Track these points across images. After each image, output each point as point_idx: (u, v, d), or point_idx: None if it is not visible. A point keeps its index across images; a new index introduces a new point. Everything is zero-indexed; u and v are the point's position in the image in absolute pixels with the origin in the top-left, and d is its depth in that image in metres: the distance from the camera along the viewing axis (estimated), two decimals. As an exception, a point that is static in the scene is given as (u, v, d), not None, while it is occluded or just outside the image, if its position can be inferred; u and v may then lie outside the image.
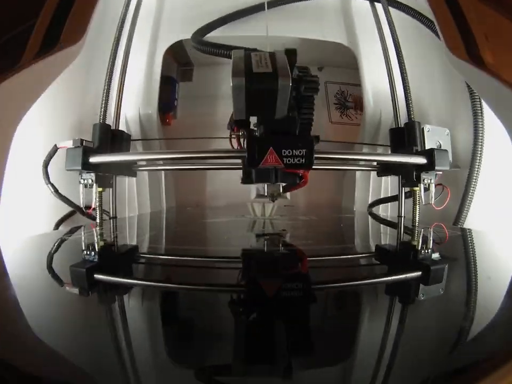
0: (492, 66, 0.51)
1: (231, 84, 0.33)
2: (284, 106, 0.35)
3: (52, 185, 0.51)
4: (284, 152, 0.38)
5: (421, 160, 0.50)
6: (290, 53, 0.36)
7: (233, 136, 0.47)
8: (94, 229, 0.49)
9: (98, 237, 0.43)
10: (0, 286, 0.22)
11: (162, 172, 0.85)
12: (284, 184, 0.44)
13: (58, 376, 0.12)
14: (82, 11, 0.52)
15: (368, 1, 0.79)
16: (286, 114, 0.36)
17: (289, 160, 0.38)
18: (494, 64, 0.51)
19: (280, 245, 0.39)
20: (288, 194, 0.47)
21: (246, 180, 0.42)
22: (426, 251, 0.34)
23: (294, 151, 0.38)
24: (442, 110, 0.69)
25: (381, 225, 0.61)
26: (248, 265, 0.30)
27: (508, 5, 0.52)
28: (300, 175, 0.42)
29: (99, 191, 0.50)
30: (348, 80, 1.04)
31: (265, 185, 0.44)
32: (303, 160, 0.38)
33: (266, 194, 0.45)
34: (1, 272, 0.26)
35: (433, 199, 0.53)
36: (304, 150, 0.38)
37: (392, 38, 0.67)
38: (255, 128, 0.42)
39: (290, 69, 0.35)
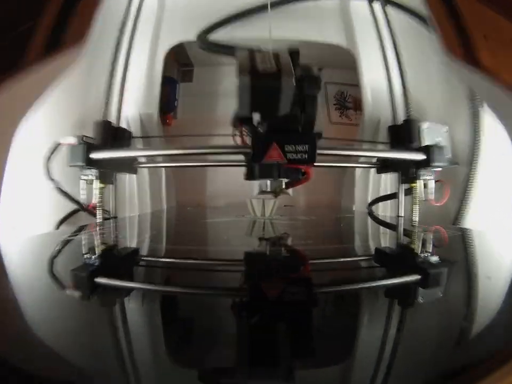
0: (488, 67, 0.51)
1: (237, 83, 0.33)
2: (287, 104, 0.36)
3: (54, 180, 0.52)
4: (287, 148, 0.39)
5: (420, 156, 0.51)
6: (294, 53, 0.37)
7: (236, 133, 0.48)
8: (94, 231, 0.49)
9: (99, 240, 0.43)
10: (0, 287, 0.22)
11: (163, 171, 0.86)
12: (286, 180, 0.45)
13: (58, 376, 0.12)
14: (85, 13, 0.53)
15: (366, 2, 0.80)
16: (289, 112, 0.37)
17: (292, 156, 0.39)
18: (491, 66, 0.51)
19: (282, 248, 0.39)
20: (290, 190, 0.47)
21: (250, 176, 0.43)
22: (425, 254, 0.33)
23: (296, 146, 0.39)
24: (441, 107, 0.69)
25: (380, 226, 0.61)
26: (250, 269, 0.30)
27: (505, 4, 0.53)
28: (303, 171, 0.43)
29: (100, 187, 0.51)
30: (347, 81, 1.05)
31: (268, 181, 0.45)
32: (306, 155, 0.39)
33: (269, 190, 0.45)
34: (2, 273, 0.26)
35: (431, 194, 0.53)
36: (306, 146, 0.39)
37: (391, 38, 0.67)
38: (259, 125, 0.43)
39: (294, 69, 0.36)
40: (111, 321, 0.18)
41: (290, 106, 0.37)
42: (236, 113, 0.43)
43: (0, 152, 0.37)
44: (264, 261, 0.32)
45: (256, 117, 0.41)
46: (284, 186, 0.46)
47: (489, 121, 0.60)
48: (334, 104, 1.13)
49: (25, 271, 0.26)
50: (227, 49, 0.60)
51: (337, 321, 0.19)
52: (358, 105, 1.06)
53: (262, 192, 0.47)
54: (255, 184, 0.48)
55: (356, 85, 0.90)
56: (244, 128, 0.46)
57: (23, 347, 0.14)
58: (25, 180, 0.53)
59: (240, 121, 0.43)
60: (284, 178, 0.44)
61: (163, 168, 0.84)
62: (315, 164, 0.40)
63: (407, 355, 0.14)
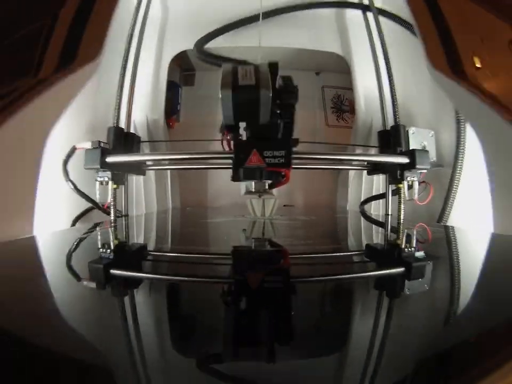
0: (473, 78, 0.54)
1: (219, 96, 0.38)
2: (266, 113, 0.41)
3: (72, 181, 0.56)
4: (266, 153, 0.44)
5: (404, 160, 0.55)
6: (273, 66, 0.42)
7: (224, 139, 0.52)
8: (108, 228, 0.53)
9: (113, 235, 0.47)
10: (31, 278, 0.24)
11: (168, 174, 0.91)
12: (269, 181, 0.50)
13: (79, 354, 0.14)
14: (98, 28, 0.56)
15: (361, 12, 0.84)
16: (268, 120, 0.42)
17: (270, 160, 0.44)
18: (476, 76, 0.54)
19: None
20: (274, 191, 0.52)
21: (235, 177, 0.48)
22: (410, 249, 0.36)
23: (274, 152, 0.44)
24: (428, 113, 0.73)
25: (371, 224, 0.65)
26: (249, 261, 0.33)
27: (503, 5, 0.55)
28: (282, 173, 0.47)
29: (114, 188, 0.55)
30: (344, 85, 1.09)
31: (253, 182, 0.50)
32: (283, 160, 0.44)
33: (254, 190, 0.50)
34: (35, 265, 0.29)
35: (416, 195, 0.58)
36: (283, 151, 0.44)
37: (382, 46, 0.71)
38: (245, 132, 0.47)
39: (273, 80, 0.41)
40: (123, 307, 0.20)
41: (269, 115, 0.41)
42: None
43: (33, 159, 0.42)
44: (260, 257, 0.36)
45: (241, 125, 0.45)
46: (267, 187, 0.51)
47: (472, 127, 0.64)
48: (331, 108, 1.16)
49: (48, 264, 0.29)
50: (219, 60, 0.65)
51: (330, 309, 0.21)
52: (354, 108, 1.09)
53: (248, 192, 0.52)
54: (242, 185, 0.53)
55: (352, 88, 0.93)
56: (229, 135, 0.50)
57: (48, 331, 0.16)
58: (45, 181, 0.57)
59: (226, 128, 0.47)
60: (266, 180, 0.48)
61: (168, 170, 0.89)
62: (314, 166, 0.45)
63: (402, 353, 0.14)
